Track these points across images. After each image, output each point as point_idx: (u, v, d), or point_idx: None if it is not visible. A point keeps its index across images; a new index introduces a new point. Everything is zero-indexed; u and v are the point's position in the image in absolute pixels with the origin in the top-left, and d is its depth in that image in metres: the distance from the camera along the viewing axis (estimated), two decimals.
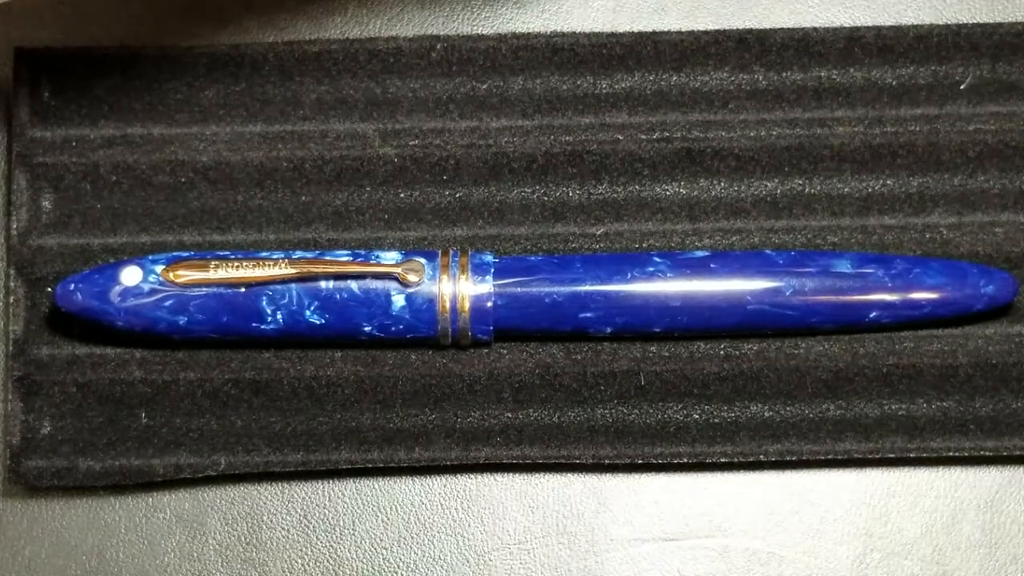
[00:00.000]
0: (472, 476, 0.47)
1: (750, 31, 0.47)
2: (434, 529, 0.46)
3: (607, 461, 0.45)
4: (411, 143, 0.46)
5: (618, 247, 0.46)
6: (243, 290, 0.44)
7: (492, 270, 0.44)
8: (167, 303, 0.44)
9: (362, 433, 0.46)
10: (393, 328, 0.44)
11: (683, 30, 0.47)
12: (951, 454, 0.45)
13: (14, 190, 0.46)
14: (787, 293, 0.44)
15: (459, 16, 0.49)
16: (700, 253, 0.45)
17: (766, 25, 0.48)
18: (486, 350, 0.46)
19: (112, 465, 0.45)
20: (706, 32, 0.47)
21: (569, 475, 0.47)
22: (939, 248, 0.46)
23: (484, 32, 0.48)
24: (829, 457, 0.45)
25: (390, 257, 0.44)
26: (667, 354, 0.46)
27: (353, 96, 0.47)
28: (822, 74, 0.47)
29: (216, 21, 0.48)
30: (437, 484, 0.47)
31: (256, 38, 0.48)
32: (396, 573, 0.46)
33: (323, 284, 0.44)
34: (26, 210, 0.46)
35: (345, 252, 0.44)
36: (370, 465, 0.45)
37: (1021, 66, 0.47)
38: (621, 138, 0.46)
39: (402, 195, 0.47)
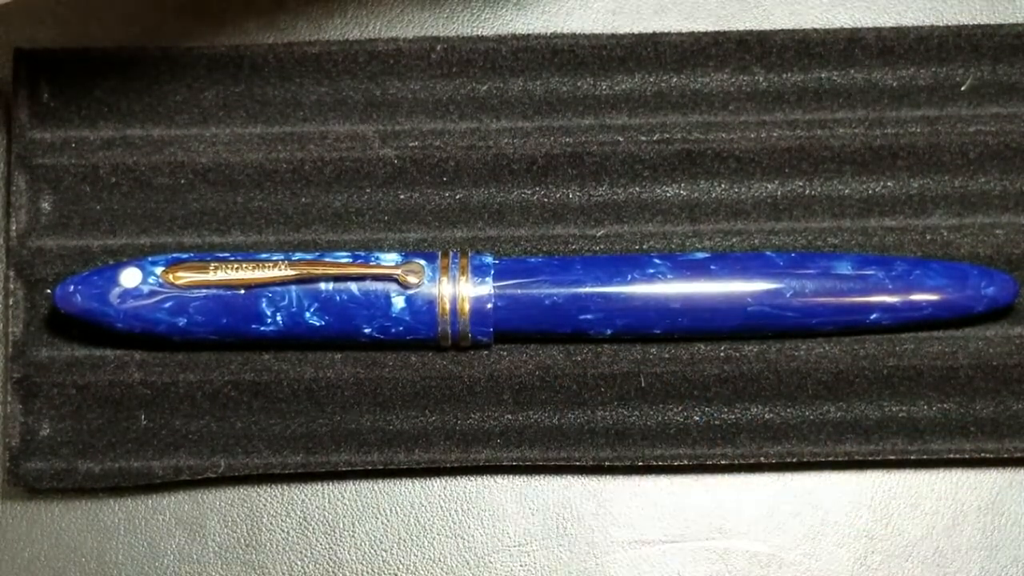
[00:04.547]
0: (472, 478, 0.47)
1: (750, 32, 0.47)
2: (434, 531, 0.46)
3: (607, 463, 0.45)
4: (411, 144, 0.46)
5: (618, 248, 0.46)
6: (243, 292, 0.44)
7: (492, 272, 0.44)
8: (167, 305, 0.44)
9: (362, 435, 0.46)
10: (393, 330, 0.44)
11: (683, 31, 0.47)
12: (952, 456, 0.45)
13: (13, 191, 0.46)
14: (787, 295, 0.44)
15: (459, 17, 0.49)
16: (700, 255, 0.45)
17: (766, 26, 0.48)
18: (486, 352, 0.46)
19: (111, 467, 0.45)
20: (706, 33, 0.47)
21: (569, 477, 0.46)
22: (940, 250, 0.46)
23: (484, 33, 0.48)
24: (830, 459, 0.45)
25: (390, 259, 0.44)
26: (667, 356, 0.45)
27: (353, 97, 0.47)
28: (822, 75, 0.47)
29: (216, 22, 0.48)
30: (437, 486, 0.47)
31: (256, 39, 0.48)
32: (396, 575, 0.46)
33: (323, 286, 0.44)
34: (25, 211, 0.46)
35: (345, 253, 0.44)
36: (370, 467, 0.45)
37: (1022, 67, 0.47)
38: (621, 139, 0.46)
39: (402, 196, 0.47)
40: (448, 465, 0.45)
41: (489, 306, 0.44)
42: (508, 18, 0.49)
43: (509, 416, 0.46)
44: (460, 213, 0.47)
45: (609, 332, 0.45)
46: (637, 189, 0.47)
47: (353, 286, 0.44)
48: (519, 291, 0.44)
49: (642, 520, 0.46)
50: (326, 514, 0.46)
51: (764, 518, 0.46)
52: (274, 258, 0.44)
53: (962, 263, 0.45)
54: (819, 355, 0.45)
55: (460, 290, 0.44)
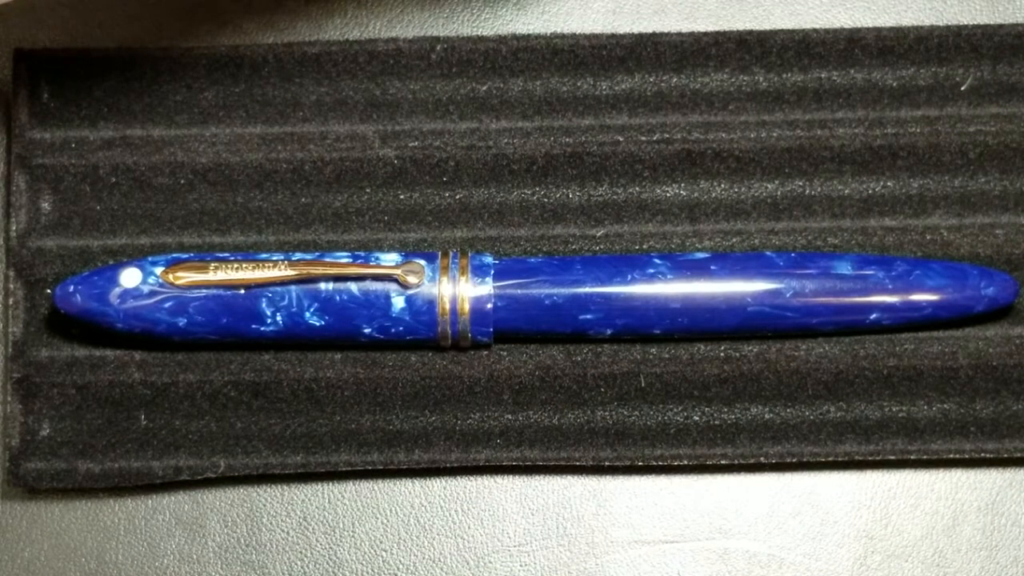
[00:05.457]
0: (472, 478, 0.47)
1: (750, 32, 0.47)
2: (434, 531, 0.46)
3: (607, 463, 0.45)
4: (411, 144, 0.46)
5: (618, 249, 0.46)
6: (242, 292, 0.44)
7: (492, 272, 0.44)
8: (166, 305, 0.44)
9: (362, 435, 0.46)
10: (393, 330, 0.44)
11: (683, 31, 0.47)
12: (952, 456, 0.45)
13: (13, 191, 0.46)
14: (787, 295, 0.44)
15: (459, 17, 0.49)
16: (700, 255, 0.45)
17: (766, 26, 0.48)
18: (486, 352, 0.46)
19: (111, 467, 0.45)
20: (706, 33, 0.47)
21: (569, 477, 0.46)
22: (939, 250, 0.46)
23: (484, 33, 0.48)
24: (830, 459, 0.45)
25: (390, 259, 0.44)
26: (667, 356, 0.45)
27: (353, 97, 0.47)
28: (822, 75, 0.47)
29: (215, 22, 0.48)
30: (437, 486, 0.47)
31: (255, 39, 0.48)
32: (396, 575, 0.46)
33: (323, 286, 0.44)
34: (25, 212, 0.46)
35: (345, 254, 0.44)
36: (370, 467, 0.45)
37: (1021, 67, 0.47)
38: (621, 139, 0.46)
39: (402, 196, 0.47)
40: (448, 465, 0.45)
41: (489, 306, 0.44)
42: (508, 18, 0.49)
43: (509, 416, 0.46)
44: (460, 213, 0.47)
45: (609, 332, 0.45)
46: (637, 189, 0.47)
47: (353, 286, 0.44)
48: (519, 291, 0.44)
49: (642, 520, 0.46)
50: (326, 514, 0.46)
51: (764, 518, 0.46)
52: (274, 258, 0.44)
53: (962, 263, 0.45)
54: (819, 355, 0.45)
55: (460, 290, 0.44)
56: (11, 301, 0.46)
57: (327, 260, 0.44)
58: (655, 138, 0.46)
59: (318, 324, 0.44)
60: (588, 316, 0.44)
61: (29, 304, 0.46)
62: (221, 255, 0.44)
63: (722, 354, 0.45)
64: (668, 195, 0.47)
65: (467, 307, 0.44)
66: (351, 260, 0.44)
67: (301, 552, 0.46)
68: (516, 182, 0.47)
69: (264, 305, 0.44)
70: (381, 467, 0.45)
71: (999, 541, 0.46)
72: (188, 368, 0.46)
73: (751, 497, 0.46)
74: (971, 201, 0.47)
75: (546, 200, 0.47)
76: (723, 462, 0.45)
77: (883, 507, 0.46)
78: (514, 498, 0.46)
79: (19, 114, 0.46)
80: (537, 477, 0.47)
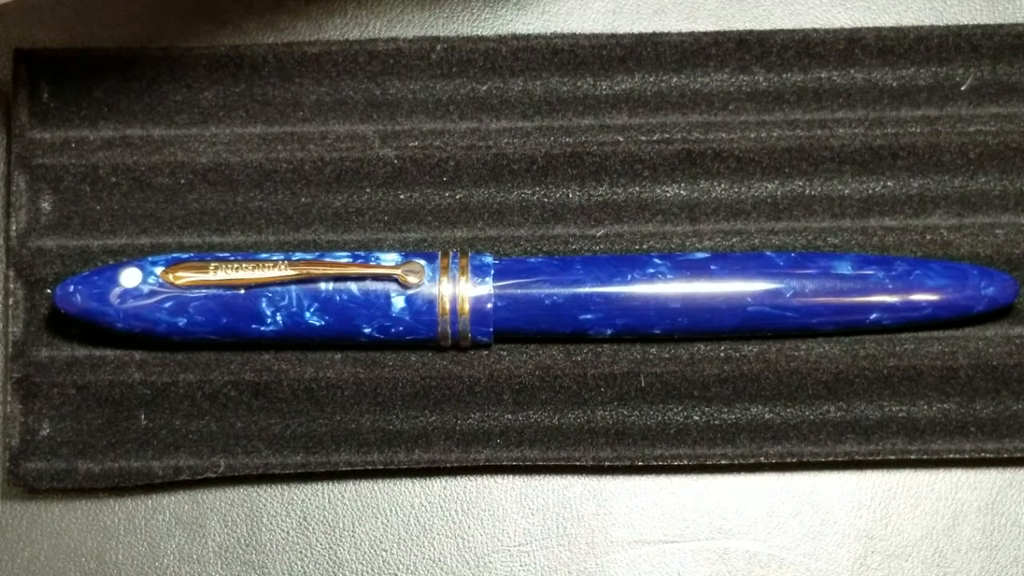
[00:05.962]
0: (472, 478, 0.47)
1: (750, 32, 0.47)
2: (434, 531, 0.46)
3: (607, 463, 0.45)
4: (411, 144, 0.46)
5: (618, 248, 0.46)
6: (243, 292, 0.44)
7: (492, 272, 0.44)
8: (167, 305, 0.44)
9: (362, 435, 0.46)
10: (393, 330, 0.44)
11: (683, 31, 0.47)
12: (952, 456, 0.45)
13: (13, 191, 0.46)
14: (787, 295, 0.44)
15: (459, 17, 0.49)
16: (700, 255, 0.45)
17: (766, 26, 0.48)
18: (486, 352, 0.46)
19: (111, 467, 0.45)
20: (706, 33, 0.47)
21: (569, 477, 0.46)
22: (940, 250, 0.46)
23: (484, 33, 0.48)
24: (830, 459, 0.45)
25: (390, 259, 0.44)
26: (667, 356, 0.45)
27: (353, 97, 0.47)
28: (822, 75, 0.47)
29: (216, 22, 0.48)
30: (437, 486, 0.47)
31: (256, 39, 0.48)
32: (396, 575, 0.46)
33: (323, 286, 0.44)
34: (25, 211, 0.46)
35: (345, 254, 0.44)
36: (370, 467, 0.45)
37: (1021, 67, 0.47)
38: (621, 139, 0.46)
39: (402, 196, 0.47)
40: (448, 465, 0.45)
41: (489, 306, 0.44)
42: (508, 18, 0.49)
43: (509, 416, 0.46)
44: (460, 213, 0.47)
45: (609, 332, 0.45)
46: (637, 189, 0.47)
47: (353, 286, 0.44)
48: (519, 291, 0.44)
49: (642, 520, 0.46)
50: (326, 514, 0.46)
51: (764, 518, 0.46)
52: (274, 258, 0.44)
53: (962, 263, 0.45)
54: (819, 355, 0.45)
55: (460, 290, 0.44)
56: (11, 301, 0.46)
57: (327, 260, 0.44)
58: (655, 138, 0.46)
59: (318, 324, 0.44)
60: (588, 316, 0.44)
61: (29, 304, 0.46)
62: (221, 255, 0.44)
63: (722, 354, 0.45)
64: (668, 195, 0.47)
65: (467, 307, 0.44)
66: (351, 260, 0.44)
67: (301, 552, 0.46)
68: (516, 182, 0.47)
69: (264, 305, 0.44)
70: (381, 467, 0.45)
71: (999, 541, 0.46)
72: (188, 368, 0.46)
73: (751, 497, 0.46)
74: (971, 201, 0.47)
75: (546, 200, 0.47)
76: (723, 462, 0.45)
77: (883, 507, 0.46)
78: (514, 498, 0.46)
79: (19, 114, 0.46)
80: (537, 477, 0.47)
